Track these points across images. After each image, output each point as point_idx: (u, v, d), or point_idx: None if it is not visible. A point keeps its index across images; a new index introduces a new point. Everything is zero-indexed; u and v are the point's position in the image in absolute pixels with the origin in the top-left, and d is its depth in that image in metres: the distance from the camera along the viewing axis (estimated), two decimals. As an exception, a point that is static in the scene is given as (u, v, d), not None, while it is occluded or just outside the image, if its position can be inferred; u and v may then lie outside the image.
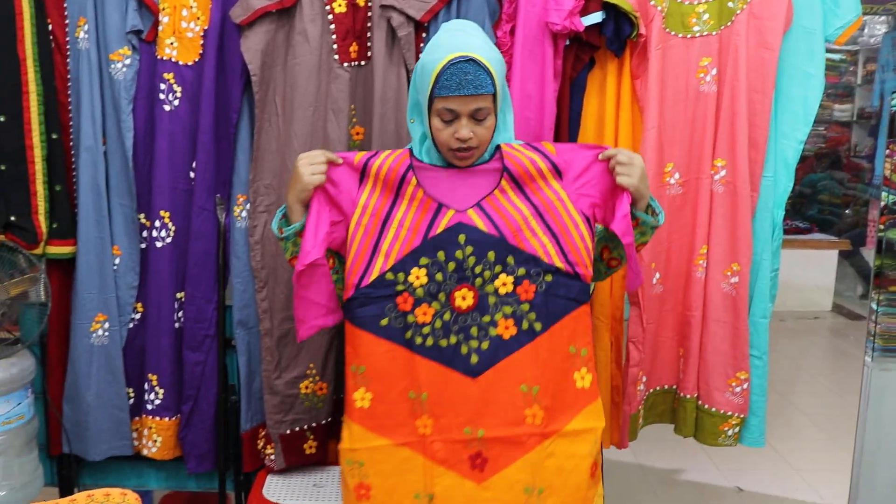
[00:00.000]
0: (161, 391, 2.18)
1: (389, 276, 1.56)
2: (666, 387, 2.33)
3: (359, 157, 1.60)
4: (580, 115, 2.14)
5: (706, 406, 2.27)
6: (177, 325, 2.18)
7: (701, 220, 2.19)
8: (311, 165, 1.57)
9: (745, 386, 2.23)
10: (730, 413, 2.24)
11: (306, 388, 2.17)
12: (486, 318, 1.57)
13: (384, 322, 1.57)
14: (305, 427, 2.20)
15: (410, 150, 1.60)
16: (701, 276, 2.21)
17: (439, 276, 1.55)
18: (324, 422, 2.21)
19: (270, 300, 2.12)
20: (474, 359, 1.57)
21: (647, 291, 2.18)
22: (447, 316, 1.56)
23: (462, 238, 1.55)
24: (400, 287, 1.56)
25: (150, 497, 2.54)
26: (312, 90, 2.06)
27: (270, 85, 2.07)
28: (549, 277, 1.58)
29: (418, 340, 1.57)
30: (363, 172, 1.60)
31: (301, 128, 2.07)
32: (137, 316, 2.17)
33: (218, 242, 2.13)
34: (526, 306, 1.58)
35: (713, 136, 2.15)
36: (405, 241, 1.55)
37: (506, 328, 1.58)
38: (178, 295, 2.17)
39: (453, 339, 1.57)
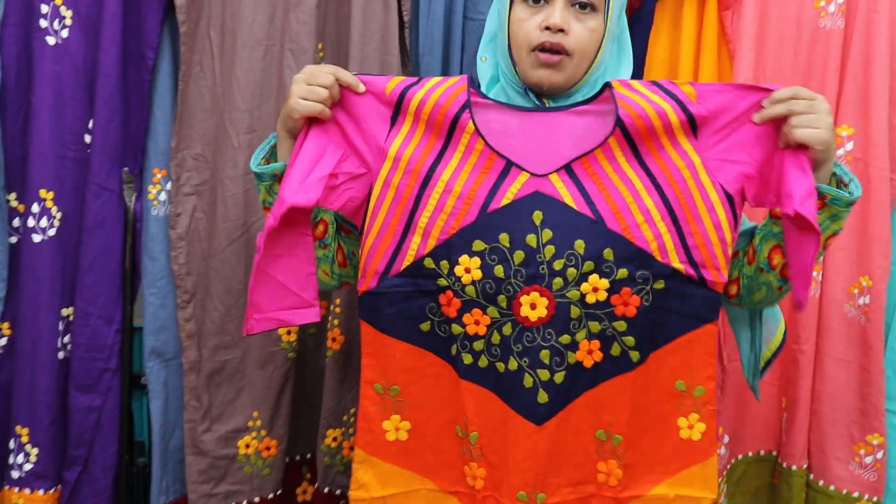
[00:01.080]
0: (35, 451, 2.08)
1: (429, 262, 1.51)
2: (761, 453, 2.28)
3: (392, 84, 1.53)
4: (644, 62, 2.16)
5: (822, 483, 2.21)
6: (61, 354, 2.10)
7: None
8: (307, 86, 1.49)
9: (879, 455, 2.16)
10: (857, 494, 2.18)
11: (247, 446, 2.11)
12: (566, 339, 1.51)
13: (425, 327, 1.54)
14: (245, 503, 2.12)
15: (470, 80, 1.55)
16: (814, 293, 2.16)
17: (500, 271, 1.49)
18: (271, 496, 2.14)
19: (199, 321, 2.07)
20: (542, 397, 1.52)
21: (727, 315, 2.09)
22: (507, 329, 1.51)
23: (538, 216, 1.48)
24: (443, 282, 1.52)
25: None
26: (263, 22, 2.04)
27: (203, 12, 2.04)
28: (660, 284, 1.51)
29: (467, 359, 1.53)
30: (397, 107, 1.53)
31: (246, 75, 2.04)
32: (2, 342, 2.10)
33: (124, 237, 2.07)
34: (622, 325, 1.51)
35: (837, 92, 2.13)
36: (453, 213, 1.50)
37: (588, 353, 1.52)
38: (65, 311, 2.10)
39: (513, 364, 1.51)
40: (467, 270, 1.49)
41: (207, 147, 2.03)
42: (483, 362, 1.52)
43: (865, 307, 2.12)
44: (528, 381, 1.51)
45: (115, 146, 2.03)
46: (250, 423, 2.08)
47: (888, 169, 2.07)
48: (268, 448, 2.10)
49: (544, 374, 1.51)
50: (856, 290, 2.12)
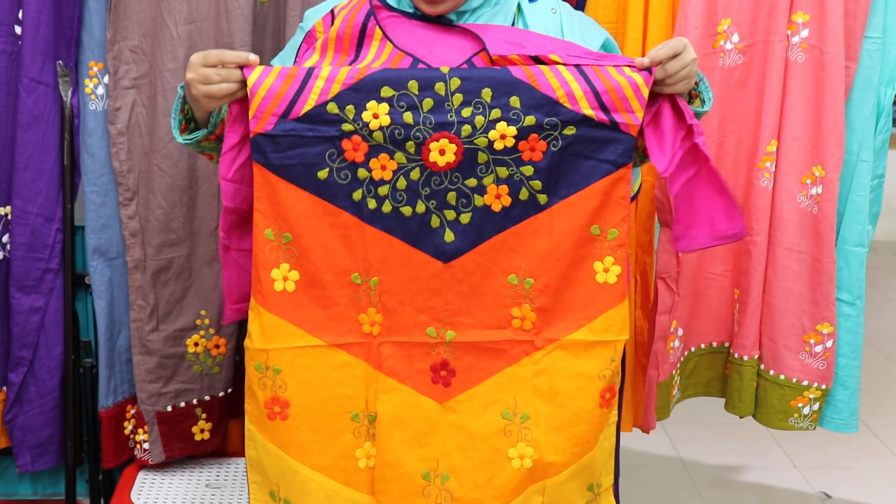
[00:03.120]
0: None
1: (332, 108, 1.51)
2: (714, 345, 2.33)
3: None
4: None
5: (772, 373, 2.25)
6: (0, 254, 2.08)
7: (769, 103, 2.14)
8: (203, 86, 1.50)
9: (828, 344, 2.21)
10: (806, 382, 2.23)
11: (196, 345, 2.13)
12: (472, 182, 1.55)
13: (323, 174, 1.54)
14: (195, 402, 2.15)
15: None
16: (767, 185, 2.18)
17: (409, 117, 1.51)
18: (221, 394, 2.16)
19: (142, 218, 2.07)
20: (449, 236, 1.57)
21: None
22: (416, 174, 1.54)
23: (445, 67, 1.52)
24: (347, 127, 1.52)
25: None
26: None
27: None
28: (570, 130, 1.54)
29: (371, 204, 1.55)
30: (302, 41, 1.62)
31: (183, -40, 2.01)
32: None
33: (61, 133, 2.05)
34: (528, 170, 1.55)
35: (792, -24, 2.13)
36: (357, 68, 1.53)
37: (496, 197, 1.56)
38: (2, 210, 2.07)
39: (421, 207, 1.55)
40: (375, 116, 1.50)
41: (145, 39, 1.98)
42: (387, 207, 1.54)
43: (818, 197, 2.14)
44: (434, 221, 1.55)
45: (47, 38, 1.98)
46: (198, 322, 2.10)
47: (842, 57, 2.06)
48: (217, 346, 2.11)
49: (451, 215, 1.55)
50: (808, 181, 2.14)
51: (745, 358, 2.23)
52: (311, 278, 1.57)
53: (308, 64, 1.59)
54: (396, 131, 1.52)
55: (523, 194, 1.56)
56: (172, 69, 1.97)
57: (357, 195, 1.55)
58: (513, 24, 1.65)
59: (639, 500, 3.01)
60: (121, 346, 2.12)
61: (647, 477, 3.15)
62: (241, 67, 1.49)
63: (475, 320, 1.59)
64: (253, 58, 1.50)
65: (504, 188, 1.55)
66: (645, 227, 2.20)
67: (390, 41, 1.59)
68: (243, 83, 1.48)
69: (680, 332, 2.21)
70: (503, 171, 1.55)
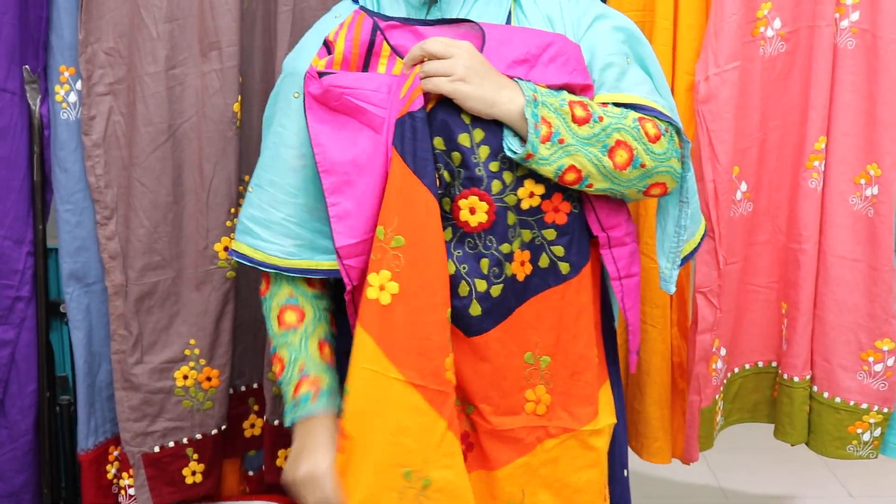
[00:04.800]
0: None
1: None
2: (760, 364, 2.29)
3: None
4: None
5: (827, 395, 2.21)
6: None
7: (816, 95, 2.10)
8: None
9: (889, 362, 2.15)
10: (866, 405, 2.18)
11: (185, 377, 2.07)
12: (506, 248, 1.52)
13: None
14: (185, 441, 2.09)
15: (360, 6, 1.62)
16: (816, 186, 2.14)
17: (446, 175, 1.51)
18: (214, 431, 2.09)
19: (122, 238, 2.01)
20: (475, 309, 1.52)
21: (725, 212, 2.11)
22: (448, 234, 1.52)
23: (467, 117, 1.49)
24: None
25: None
26: None
27: None
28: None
29: None
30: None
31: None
32: None
33: (30, 146, 2.00)
34: (551, 233, 1.54)
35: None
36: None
37: (521, 264, 1.53)
38: None
39: (451, 269, 1.52)
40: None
41: (121, 39, 1.91)
42: None
43: (874, 199, 2.09)
44: (463, 289, 1.52)
45: (11, 41, 1.91)
46: (187, 352, 2.04)
47: (901, 40, 1.99)
48: (208, 379, 2.05)
49: (481, 285, 1.52)
50: (863, 181, 2.10)
51: (796, 379, 2.19)
52: (410, 296, 1.50)
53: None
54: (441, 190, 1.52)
55: (543, 261, 1.54)
56: (152, 73, 1.92)
57: None
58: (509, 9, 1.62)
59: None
60: (101, 380, 2.06)
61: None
62: None
63: (492, 407, 1.56)
64: None
65: (527, 253, 1.53)
66: (679, 235, 2.14)
67: (399, 56, 1.55)
68: None
69: (723, 351, 2.17)
70: (527, 235, 1.53)
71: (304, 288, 1.61)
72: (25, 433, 2.04)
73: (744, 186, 2.11)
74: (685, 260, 1.74)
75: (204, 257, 2.04)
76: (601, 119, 1.50)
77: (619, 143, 1.52)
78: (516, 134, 1.46)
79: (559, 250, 1.55)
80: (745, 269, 2.18)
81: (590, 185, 1.52)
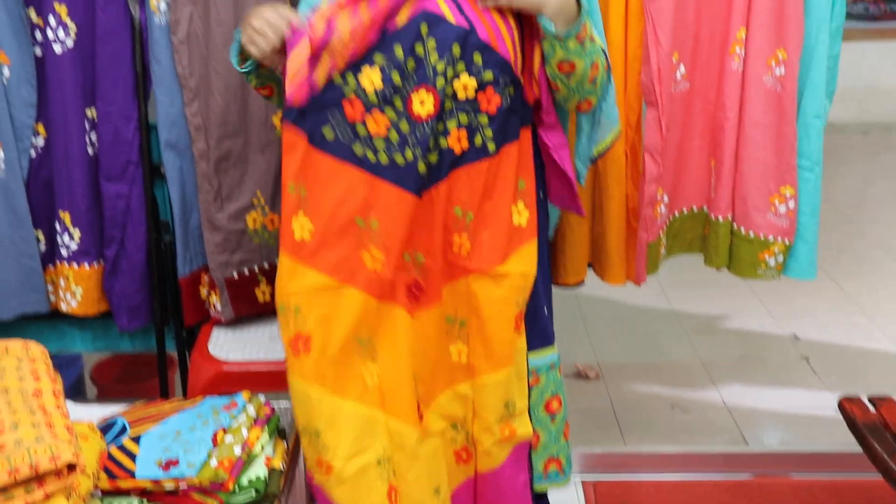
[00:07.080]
0: (77, 232, 2.27)
1: (337, 78, 1.62)
2: (694, 209, 2.45)
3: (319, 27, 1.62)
4: None
5: (743, 230, 2.38)
6: (90, 150, 2.24)
7: None
8: (257, 36, 1.62)
9: (790, 204, 2.33)
10: (772, 238, 2.35)
11: (254, 221, 2.29)
12: (440, 126, 1.66)
13: (329, 134, 1.65)
14: (256, 268, 2.32)
15: None
16: (737, 68, 2.28)
17: (397, 77, 1.62)
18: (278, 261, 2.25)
19: (203, 115, 2.21)
20: (422, 169, 1.66)
21: (667, 88, 2.23)
22: (404, 126, 1.64)
23: (424, 28, 1.61)
24: (348, 91, 1.63)
25: (79, 364, 2.67)
26: None
27: None
28: (512, 90, 1.68)
29: (371, 157, 1.65)
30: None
31: None
32: (40, 141, 2.22)
33: (133, 44, 2.18)
34: (484, 119, 1.67)
35: None
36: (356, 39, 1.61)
37: (458, 140, 1.67)
38: (89, 112, 2.22)
39: (409, 155, 1.65)
40: (371, 81, 1.61)
41: None
42: (384, 158, 1.65)
43: (781, 77, 2.23)
44: (422, 167, 1.65)
45: None
46: (255, 201, 2.27)
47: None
48: (272, 222, 2.28)
49: (433, 158, 1.67)
50: (773, 62, 2.23)
51: (721, 219, 2.36)
52: (323, 227, 1.64)
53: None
54: (387, 91, 1.61)
55: (478, 140, 1.68)
56: (222, -18, 2.09)
57: (358, 150, 1.64)
58: None
59: (637, 346, 3.24)
60: (193, 224, 2.27)
61: (647, 325, 3.36)
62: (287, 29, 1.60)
63: (435, 245, 1.71)
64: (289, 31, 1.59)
65: (464, 132, 1.66)
66: (632, 106, 2.27)
67: None
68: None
69: (665, 198, 2.33)
70: (464, 118, 1.65)
71: None
72: (139, 263, 2.29)
73: (682, 69, 2.25)
74: (599, 157, 2.00)
75: (266, 127, 2.25)
76: (593, 40, 1.69)
77: (595, 63, 1.71)
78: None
79: (489, 133, 1.67)
80: (683, 134, 2.32)
81: (567, 82, 1.69)
